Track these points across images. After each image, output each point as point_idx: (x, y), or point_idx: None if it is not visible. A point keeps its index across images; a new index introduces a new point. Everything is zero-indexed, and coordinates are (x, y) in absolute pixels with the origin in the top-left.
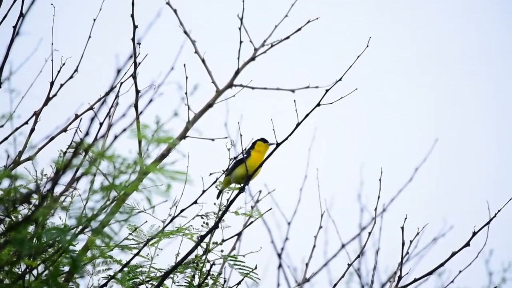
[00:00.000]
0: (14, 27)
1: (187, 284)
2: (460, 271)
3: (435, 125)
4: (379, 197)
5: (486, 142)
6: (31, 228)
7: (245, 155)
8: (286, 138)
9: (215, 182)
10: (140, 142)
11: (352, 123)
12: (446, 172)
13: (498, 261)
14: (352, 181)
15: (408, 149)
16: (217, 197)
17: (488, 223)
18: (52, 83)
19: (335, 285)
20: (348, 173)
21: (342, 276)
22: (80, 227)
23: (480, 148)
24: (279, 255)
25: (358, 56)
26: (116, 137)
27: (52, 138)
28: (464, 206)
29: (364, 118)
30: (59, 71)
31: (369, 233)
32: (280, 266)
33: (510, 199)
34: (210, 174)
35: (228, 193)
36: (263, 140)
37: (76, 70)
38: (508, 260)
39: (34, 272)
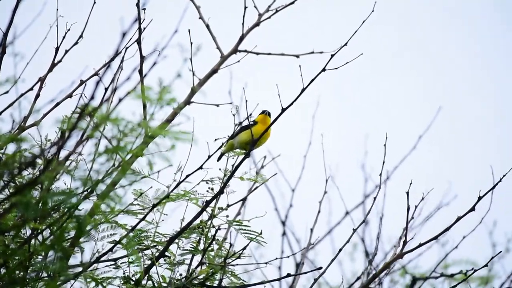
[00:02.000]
0: None
1: (193, 249)
2: (464, 237)
3: (438, 93)
4: (384, 162)
5: (489, 109)
6: (36, 193)
7: (251, 122)
8: (291, 104)
9: (220, 147)
10: (144, 106)
11: (356, 91)
12: (450, 140)
13: (502, 233)
14: (356, 149)
15: (412, 117)
16: (218, 160)
17: (493, 187)
18: (57, 49)
19: (340, 250)
20: (352, 140)
21: (347, 241)
22: (86, 191)
23: (483, 115)
24: (283, 223)
25: (364, 21)
26: (120, 100)
27: (57, 104)
28: (468, 173)
29: (368, 85)
30: (64, 37)
31: (374, 198)
32: (284, 233)
33: None
34: (215, 139)
35: (233, 158)
36: (263, 112)
37: (81, 36)
38: None
39: (39, 237)
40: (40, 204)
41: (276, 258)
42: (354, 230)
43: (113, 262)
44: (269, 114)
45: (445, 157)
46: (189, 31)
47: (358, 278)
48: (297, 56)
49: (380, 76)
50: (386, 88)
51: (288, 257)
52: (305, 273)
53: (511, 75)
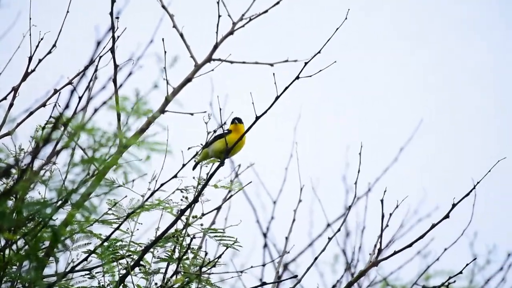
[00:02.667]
0: None
1: (168, 258)
2: (445, 249)
3: (421, 103)
4: (359, 171)
5: (470, 121)
6: (10, 203)
7: (225, 131)
8: (265, 112)
9: (195, 155)
10: (119, 116)
11: (337, 102)
12: (432, 151)
13: (483, 244)
14: (338, 161)
15: (393, 129)
16: (193, 169)
17: (466, 195)
18: (30, 58)
19: (317, 257)
20: (333, 151)
21: (324, 249)
22: (61, 201)
23: (465, 127)
24: (265, 235)
25: (337, 29)
26: (96, 110)
27: (31, 113)
28: (448, 184)
29: (349, 97)
30: (37, 46)
31: (349, 207)
32: (265, 245)
33: (488, 171)
34: (189, 148)
35: (207, 166)
36: (237, 121)
37: (54, 45)
38: (492, 242)
39: (14, 247)
40: (14, 214)
41: (252, 267)
42: (330, 239)
43: (88, 272)
44: (240, 121)
45: (427, 168)
46: (163, 40)
47: (334, 286)
48: (271, 65)
49: (358, 83)
50: (367, 98)
51: (264, 265)
52: (282, 281)
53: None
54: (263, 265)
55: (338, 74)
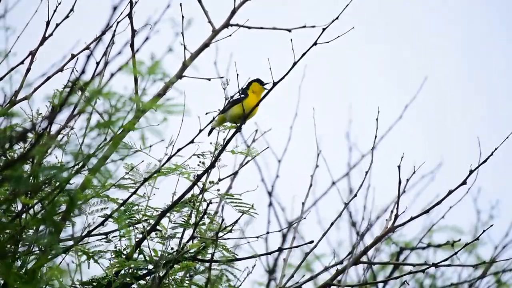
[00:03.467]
0: None
1: (184, 223)
2: (450, 207)
3: (425, 64)
4: (376, 136)
5: (476, 80)
6: (27, 167)
7: (242, 95)
8: (283, 77)
9: (212, 121)
10: (136, 80)
11: (342, 61)
12: (437, 110)
13: (486, 200)
14: (342, 120)
15: (398, 87)
16: (208, 134)
17: (485, 161)
18: (48, 23)
19: (332, 223)
20: (338, 111)
21: (339, 216)
22: (77, 165)
23: (471, 86)
24: (270, 193)
25: None
26: (112, 75)
27: (49, 78)
28: (455, 144)
29: (355, 57)
30: (55, 10)
31: (366, 172)
32: (270, 204)
33: (507, 138)
34: (206, 113)
35: (223, 132)
36: (259, 81)
37: (72, 10)
38: (496, 198)
39: (31, 211)
40: (31, 178)
41: (268, 233)
42: (346, 204)
43: (104, 236)
44: (262, 83)
45: (432, 128)
46: (180, 5)
47: (349, 253)
48: (289, 30)
49: (367, 47)
50: (373, 59)
51: (280, 231)
52: (297, 246)
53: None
54: (279, 231)
55: (349, 39)
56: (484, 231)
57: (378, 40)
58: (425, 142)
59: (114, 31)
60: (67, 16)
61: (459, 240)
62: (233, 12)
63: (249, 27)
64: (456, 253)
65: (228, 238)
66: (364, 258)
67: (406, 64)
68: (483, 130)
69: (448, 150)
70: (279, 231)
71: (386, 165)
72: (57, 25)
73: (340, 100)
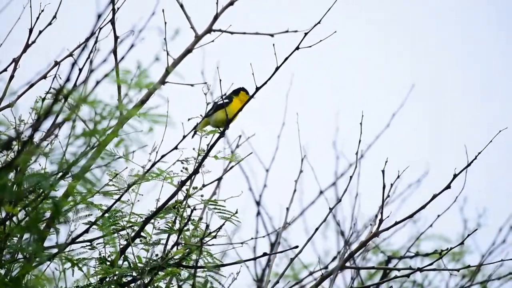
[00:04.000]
0: None
1: (168, 229)
2: (438, 215)
3: (412, 71)
4: (360, 141)
5: (463, 87)
6: (11, 175)
7: (226, 101)
8: (265, 82)
9: (195, 127)
10: (119, 88)
11: (329, 69)
12: (424, 117)
13: (473, 208)
14: (328, 127)
15: (385, 95)
16: (192, 137)
17: (468, 165)
18: (31, 30)
19: (317, 229)
20: (324, 119)
21: (324, 221)
22: (61, 173)
23: (457, 93)
24: (258, 203)
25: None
26: (97, 82)
27: (32, 85)
28: (442, 151)
29: (341, 63)
30: (37, 18)
31: (350, 177)
32: (258, 213)
33: (490, 142)
34: (189, 119)
35: (206, 137)
36: (246, 91)
37: (54, 17)
38: (483, 206)
39: (15, 219)
40: (15, 186)
41: (252, 238)
42: (331, 209)
43: (89, 243)
44: (247, 92)
45: (420, 135)
46: (163, 11)
47: (334, 258)
48: (272, 35)
49: (353, 53)
50: (359, 65)
51: (264, 237)
52: (282, 251)
53: (489, 51)
54: (263, 236)
55: (330, 41)
56: (468, 235)
57: (364, 45)
58: (413, 150)
59: (97, 37)
60: (50, 23)
61: (447, 249)
62: (216, 18)
63: (231, 33)
64: (440, 257)
65: (213, 244)
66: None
67: (393, 70)
68: (471, 136)
69: (436, 158)
70: (264, 236)
71: (374, 173)
72: (40, 32)
73: (327, 107)
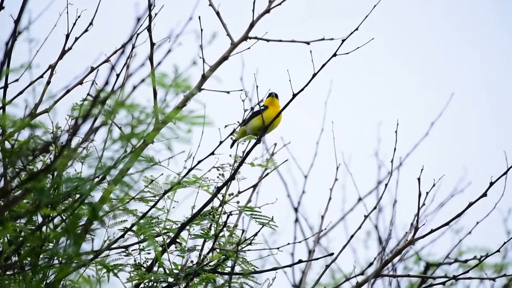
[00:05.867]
0: None
1: (204, 234)
2: (477, 222)
3: (452, 79)
4: (395, 149)
5: (502, 95)
6: (48, 180)
7: (262, 107)
8: (302, 89)
9: (232, 133)
10: (155, 93)
11: (369, 76)
12: (463, 126)
13: None
14: (368, 136)
15: (424, 104)
16: (231, 147)
17: (505, 172)
18: (67, 36)
19: (352, 236)
20: (366, 127)
21: (359, 227)
22: (99, 177)
23: (496, 101)
24: (296, 209)
25: (375, 6)
26: (134, 87)
27: (68, 91)
28: (481, 160)
29: (381, 71)
30: (74, 24)
31: (386, 185)
32: (296, 220)
33: None
34: (226, 126)
35: (243, 144)
36: (272, 95)
37: (91, 23)
38: None
39: (51, 224)
40: (53, 190)
41: (288, 244)
42: (366, 216)
43: (124, 249)
44: (276, 96)
45: (459, 143)
46: (199, 18)
47: (371, 264)
48: (308, 43)
49: (392, 62)
50: (398, 74)
51: (300, 242)
52: (317, 259)
53: None
54: (299, 242)
55: (369, 50)
56: (505, 242)
57: (402, 53)
58: (451, 158)
59: (133, 44)
60: (86, 30)
61: (486, 255)
62: (252, 25)
63: (267, 40)
64: (479, 263)
65: (249, 250)
66: (388, 272)
67: (432, 78)
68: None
69: (475, 165)
70: (300, 242)
71: (414, 182)
72: (77, 38)
73: (368, 115)
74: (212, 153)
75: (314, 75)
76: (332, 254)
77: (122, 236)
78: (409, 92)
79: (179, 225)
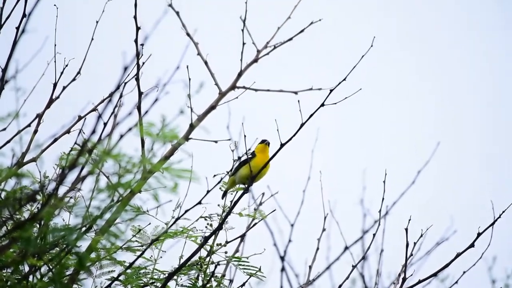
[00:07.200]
0: (17, 28)
1: (191, 285)
2: (464, 272)
3: (437, 128)
4: (383, 199)
5: (488, 144)
6: (34, 229)
7: (249, 156)
8: (290, 139)
9: (219, 182)
10: (143, 143)
11: (355, 125)
12: (449, 175)
13: (502, 268)
14: (355, 184)
15: (410, 152)
16: (222, 198)
17: (492, 223)
18: (55, 85)
19: (340, 286)
20: (351, 175)
21: (347, 278)
22: (86, 227)
23: (481, 151)
24: (282, 258)
25: (363, 56)
26: (121, 136)
27: (56, 140)
28: (468, 209)
29: (367, 120)
30: (61, 73)
31: (374, 235)
32: (283, 269)
33: None
34: (214, 175)
35: (231, 194)
36: (264, 142)
37: (79, 73)
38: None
39: (38, 273)
40: (39, 240)
41: None
42: (354, 266)
43: None
44: (268, 144)
45: (445, 192)
46: (187, 67)
47: None
48: (296, 93)
49: (378, 110)
50: (384, 122)
51: None
52: None
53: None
54: None
55: (356, 98)
56: None
57: (388, 100)
58: (439, 206)
59: (121, 92)
60: (74, 79)
61: None
62: (240, 74)
63: (255, 90)
64: None
65: None
66: None
67: (418, 126)
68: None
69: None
70: None
71: (400, 230)
72: (64, 87)
73: (353, 163)
74: (199, 203)
75: (302, 125)
76: None
77: (109, 286)
78: (396, 139)
79: (167, 275)
